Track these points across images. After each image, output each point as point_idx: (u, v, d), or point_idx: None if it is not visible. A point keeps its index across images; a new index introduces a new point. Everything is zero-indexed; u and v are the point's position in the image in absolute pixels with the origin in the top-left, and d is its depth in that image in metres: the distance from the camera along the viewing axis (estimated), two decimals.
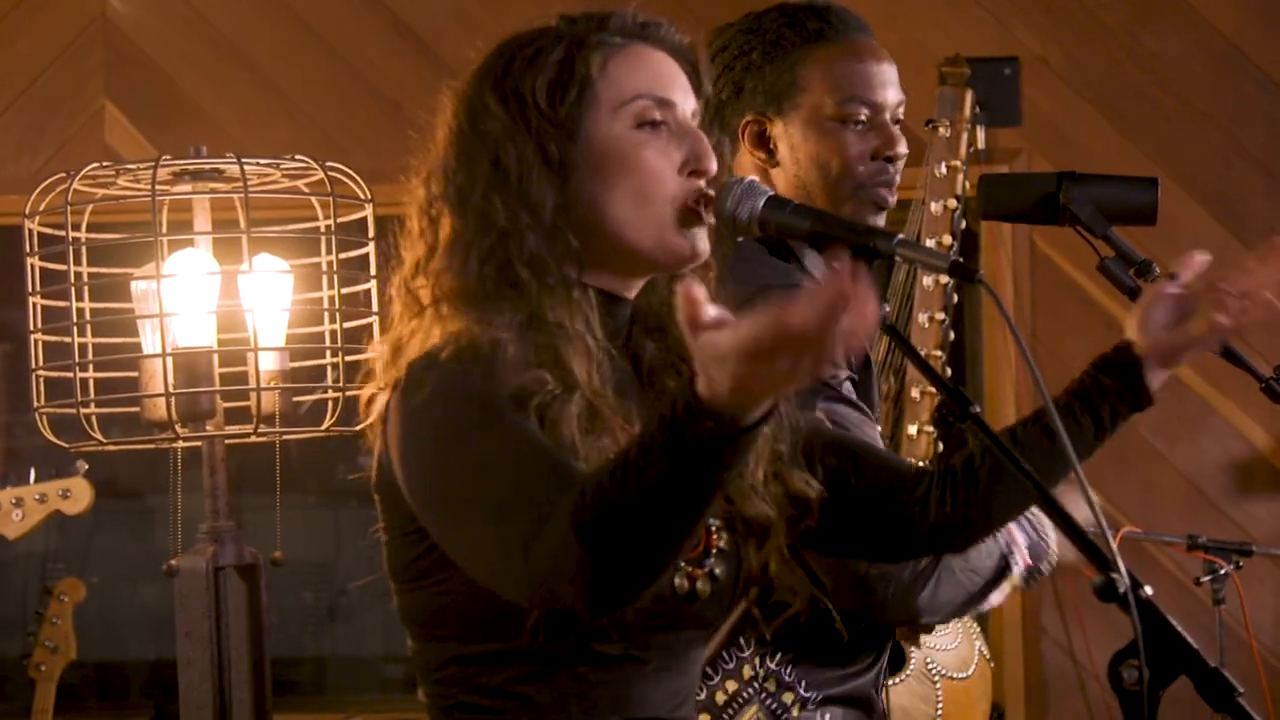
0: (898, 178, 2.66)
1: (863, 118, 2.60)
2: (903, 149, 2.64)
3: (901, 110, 2.67)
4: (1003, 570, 2.66)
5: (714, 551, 1.97)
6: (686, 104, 1.99)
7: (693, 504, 1.68)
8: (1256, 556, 4.25)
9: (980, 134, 4.85)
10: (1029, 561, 2.64)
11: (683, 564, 1.93)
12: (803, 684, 2.70)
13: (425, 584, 1.91)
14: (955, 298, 3.67)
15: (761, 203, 1.98)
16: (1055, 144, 4.96)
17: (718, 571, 1.96)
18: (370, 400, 1.96)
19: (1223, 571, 4.17)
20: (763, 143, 2.59)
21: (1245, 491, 4.96)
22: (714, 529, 1.99)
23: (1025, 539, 2.66)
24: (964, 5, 4.98)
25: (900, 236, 1.95)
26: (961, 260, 1.89)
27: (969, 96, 4.03)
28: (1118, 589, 1.78)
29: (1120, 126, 4.98)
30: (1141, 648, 1.77)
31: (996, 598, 2.67)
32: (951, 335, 4.22)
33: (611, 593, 1.70)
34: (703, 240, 1.97)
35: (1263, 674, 4.59)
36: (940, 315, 4.02)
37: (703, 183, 1.96)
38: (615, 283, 2.00)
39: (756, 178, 2.02)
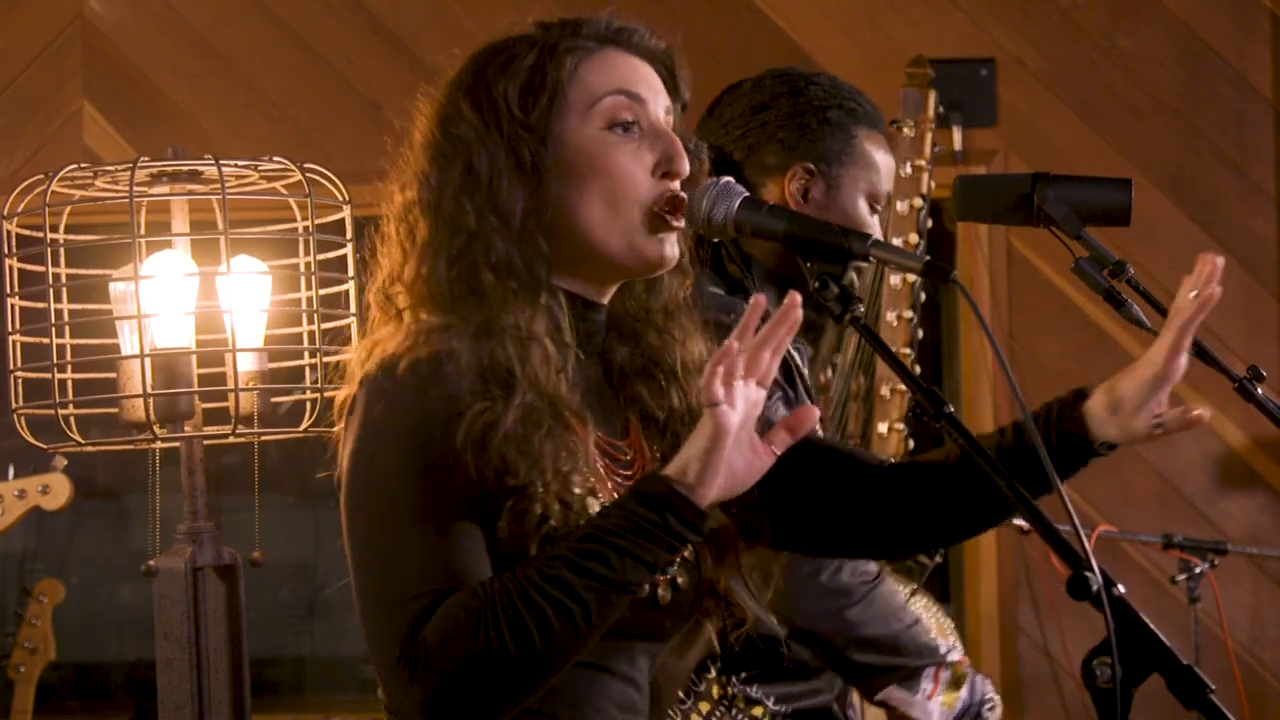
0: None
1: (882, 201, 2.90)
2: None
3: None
4: (933, 653, 2.71)
5: (678, 560, 1.98)
6: (659, 104, 2.00)
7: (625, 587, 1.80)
8: (1232, 555, 4.28)
9: (957, 134, 4.90)
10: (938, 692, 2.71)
11: None
12: (771, 699, 2.74)
13: None
14: (923, 296, 3.69)
15: (737, 204, 1.99)
16: (1031, 144, 4.98)
17: (680, 580, 1.97)
18: (343, 402, 1.97)
19: (1198, 570, 4.19)
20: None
21: (1221, 490, 4.98)
22: None
23: (966, 699, 2.73)
24: (941, 6, 4.99)
25: (874, 238, 1.97)
26: (934, 261, 1.90)
27: (932, 97, 4.06)
28: (1090, 587, 1.79)
29: (1095, 126, 5.00)
30: (1114, 645, 1.78)
31: (914, 697, 2.73)
32: (920, 333, 4.24)
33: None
34: (672, 245, 1.98)
35: (1237, 671, 4.62)
36: (908, 313, 4.04)
37: (675, 185, 1.97)
38: (587, 288, 2.01)
39: (731, 179, 2.03)
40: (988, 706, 2.77)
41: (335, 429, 1.98)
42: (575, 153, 1.96)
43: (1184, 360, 2.09)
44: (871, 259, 1.94)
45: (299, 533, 6.23)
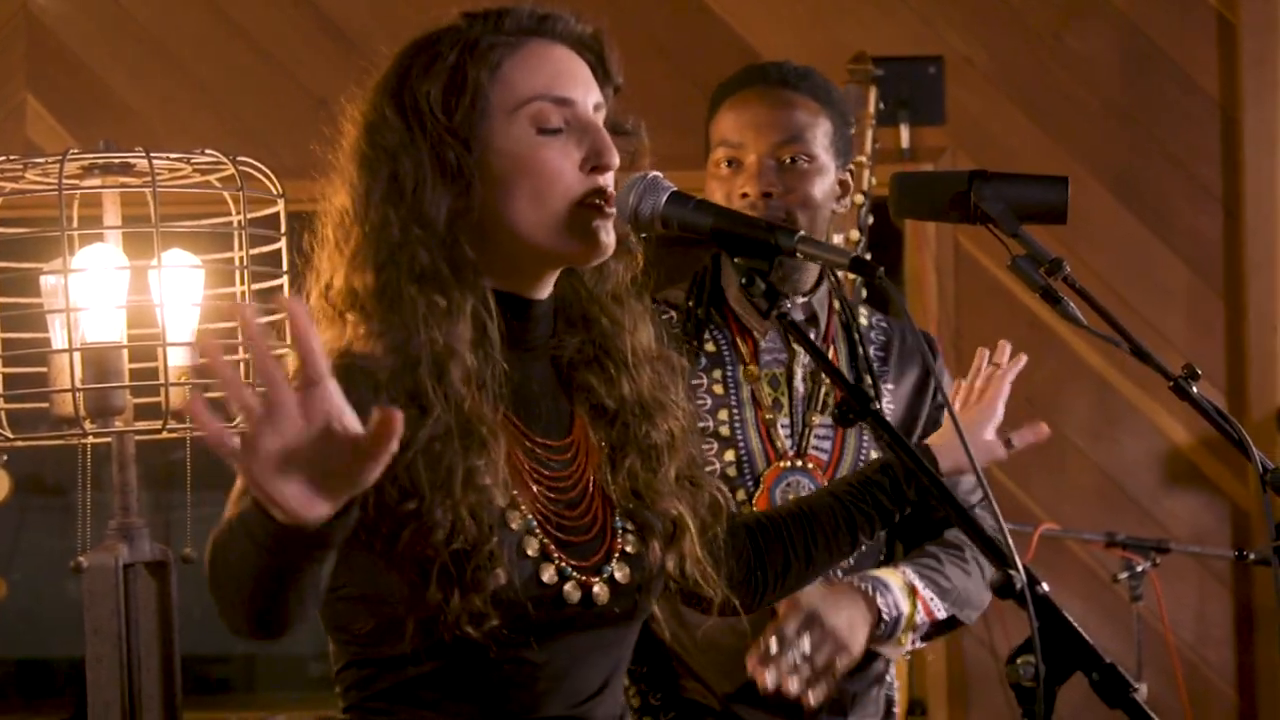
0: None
1: (731, 164, 2.75)
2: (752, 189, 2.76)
3: (789, 146, 2.75)
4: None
5: (616, 555, 1.97)
6: (588, 99, 1.97)
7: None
8: (1175, 554, 4.29)
9: (905, 132, 4.90)
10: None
11: (574, 573, 1.94)
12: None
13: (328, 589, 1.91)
14: (865, 293, 3.68)
15: (664, 199, 1.98)
16: (979, 143, 4.98)
17: (618, 575, 1.97)
18: None
19: (1140, 569, 4.20)
20: None
21: (1166, 489, 5.00)
22: (620, 532, 1.99)
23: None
24: (890, 6, 4.99)
25: (801, 233, 1.96)
26: (860, 257, 1.89)
27: (873, 93, 4.06)
28: (1014, 585, 1.78)
29: (1043, 125, 5.01)
30: (1037, 643, 1.78)
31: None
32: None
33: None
34: (607, 233, 1.96)
35: (1179, 670, 4.63)
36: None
37: (604, 179, 1.95)
38: (523, 284, 1.99)
39: (660, 173, 2.02)
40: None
41: None
42: (501, 155, 1.94)
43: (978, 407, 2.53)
44: (798, 255, 1.94)
45: None
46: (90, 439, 2.63)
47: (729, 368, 2.77)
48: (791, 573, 2.24)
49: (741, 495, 2.71)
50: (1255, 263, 4.94)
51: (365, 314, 1.92)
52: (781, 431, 2.75)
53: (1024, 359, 2.59)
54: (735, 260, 1.96)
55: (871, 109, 3.95)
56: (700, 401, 2.73)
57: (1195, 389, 2.59)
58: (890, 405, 2.84)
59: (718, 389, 2.76)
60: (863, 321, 2.89)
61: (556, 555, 1.94)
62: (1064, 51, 5.01)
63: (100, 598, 2.61)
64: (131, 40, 4.99)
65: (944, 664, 4.96)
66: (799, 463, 2.74)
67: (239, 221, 2.66)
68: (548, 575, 1.92)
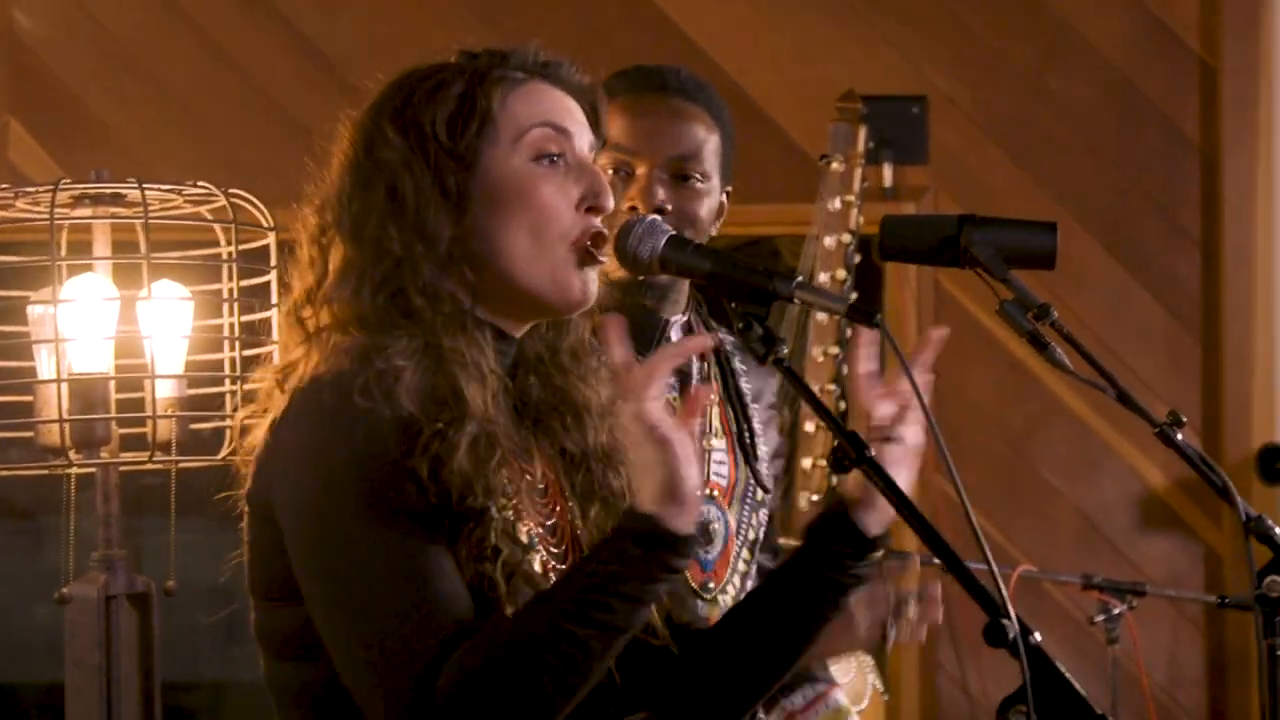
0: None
1: (622, 170, 2.59)
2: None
3: (685, 162, 2.60)
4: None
5: None
6: (584, 139, 2.00)
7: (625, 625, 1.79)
8: (1150, 596, 4.30)
9: (888, 171, 4.92)
10: None
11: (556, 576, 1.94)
12: None
13: (294, 602, 1.88)
14: (849, 332, 3.69)
15: (663, 242, 1.99)
16: (961, 183, 5.00)
17: None
18: (248, 428, 1.94)
19: (1116, 611, 4.20)
20: None
21: (1141, 531, 5.01)
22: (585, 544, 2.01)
23: None
24: (875, 45, 5.02)
25: (800, 279, 1.97)
26: (859, 303, 1.90)
27: (862, 132, 4.08)
28: (1007, 634, 1.79)
29: (1025, 166, 5.03)
30: (1029, 693, 1.78)
31: None
32: (845, 369, 4.26)
33: None
34: (593, 283, 1.97)
35: (1154, 713, 4.64)
36: (834, 349, 4.06)
37: (598, 220, 1.97)
38: (505, 321, 2.00)
39: (659, 217, 2.03)
40: None
41: (247, 448, 1.95)
42: (501, 183, 1.94)
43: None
44: (796, 300, 1.95)
45: (218, 556, 6.18)
46: (75, 469, 2.62)
47: None
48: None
49: None
50: (1233, 306, 4.97)
51: (367, 326, 1.90)
52: None
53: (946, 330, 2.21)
54: (731, 305, 1.96)
55: (860, 148, 3.96)
56: None
57: (1180, 435, 2.61)
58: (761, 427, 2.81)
59: None
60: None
61: (551, 566, 1.95)
62: (1046, 93, 5.03)
63: (81, 629, 2.60)
64: (115, 65, 4.98)
65: (917, 702, 4.97)
66: (703, 491, 2.72)
67: (229, 253, 2.66)
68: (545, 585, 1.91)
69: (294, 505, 1.85)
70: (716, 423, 2.74)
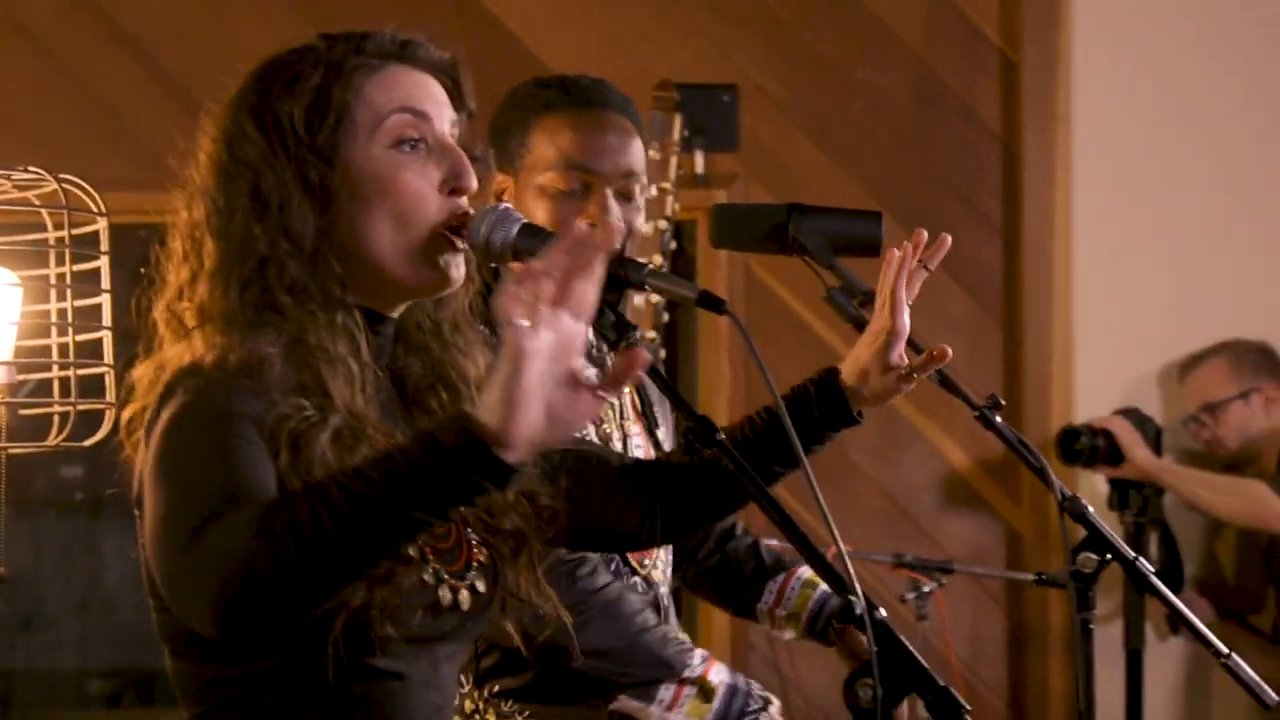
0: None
1: (577, 186, 2.67)
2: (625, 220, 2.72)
3: (631, 180, 2.72)
4: (667, 666, 2.73)
5: (475, 565, 1.99)
6: (444, 119, 2.01)
7: (405, 530, 1.70)
8: (956, 574, 4.43)
9: (699, 158, 4.98)
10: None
11: (446, 576, 1.95)
12: (525, 713, 2.74)
13: None
14: (666, 316, 3.74)
15: (515, 230, 2.01)
16: (771, 170, 5.07)
17: (479, 585, 1.98)
18: (130, 420, 1.94)
19: (926, 589, 4.32)
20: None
21: (945, 511, 5.14)
22: (474, 543, 2.01)
23: (719, 709, 2.74)
24: (690, 34, 5.07)
25: (650, 266, 2.01)
26: (710, 291, 1.94)
27: (678, 120, 4.14)
28: (855, 610, 1.85)
29: (834, 155, 5.12)
30: (876, 667, 1.84)
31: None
32: (663, 353, 4.31)
33: (256, 607, 1.68)
34: (458, 268, 1.99)
35: (962, 688, 4.77)
36: (651, 334, 4.11)
37: (463, 201, 1.98)
38: (379, 302, 2.01)
39: (510, 204, 2.05)
40: (755, 707, 2.78)
41: (129, 446, 1.94)
42: (362, 174, 1.95)
43: (906, 316, 2.45)
44: (648, 287, 1.98)
45: (16, 545, 6.07)
46: None
47: None
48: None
49: None
50: (1033, 292, 5.11)
51: (234, 325, 1.90)
52: (616, 445, 2.78)
53: (948, 238, 2.57)
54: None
55: (676, 136, 4.02)
56: None
57: (999, 418, 2.70)
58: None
59: None
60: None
61: (431, 558, 1.94)
62: (854, 82, 5.13)
63: None
64: None
65: None
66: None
67: (59, 239, 2.63)
68: (427, 575, 1.92)
69: (154, 457, 1.82)
70: (629, 409, 2.80)
